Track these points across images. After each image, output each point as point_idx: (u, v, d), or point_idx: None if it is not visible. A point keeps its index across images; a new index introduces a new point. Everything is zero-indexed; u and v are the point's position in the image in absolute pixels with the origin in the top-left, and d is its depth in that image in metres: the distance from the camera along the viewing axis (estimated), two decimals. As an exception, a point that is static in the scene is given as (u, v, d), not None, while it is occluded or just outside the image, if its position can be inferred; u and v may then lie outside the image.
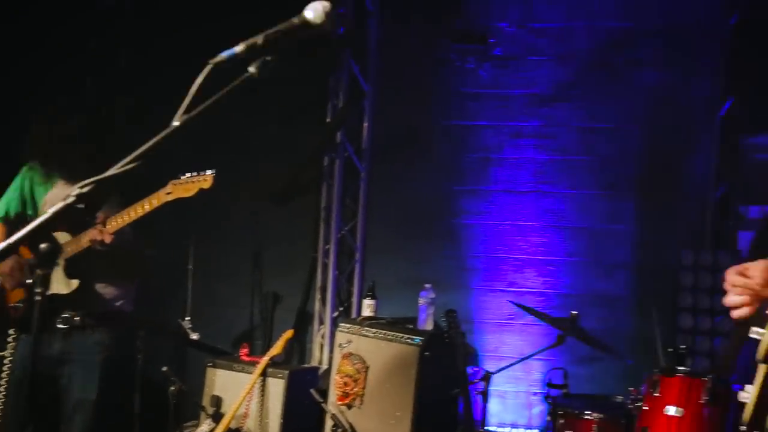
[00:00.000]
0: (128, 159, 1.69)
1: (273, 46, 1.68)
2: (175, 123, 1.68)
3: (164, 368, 4.86)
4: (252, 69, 1.68)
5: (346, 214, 5.98)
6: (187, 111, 1.66)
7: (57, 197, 3.34)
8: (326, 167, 5.95)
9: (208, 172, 2.88)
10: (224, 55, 1.67)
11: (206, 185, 2.87)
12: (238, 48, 1.67)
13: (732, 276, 2.00)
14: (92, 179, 1.75)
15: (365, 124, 5.87)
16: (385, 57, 5.91)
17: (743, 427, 2.01)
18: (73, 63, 5.23)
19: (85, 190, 1.72)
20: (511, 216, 5.76)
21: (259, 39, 1.68)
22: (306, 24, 1.69)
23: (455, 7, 5.77)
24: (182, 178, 2.97)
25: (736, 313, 1.98)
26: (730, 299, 1.99)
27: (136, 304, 4.37)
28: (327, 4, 1.71)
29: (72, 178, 3.31)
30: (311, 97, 5.94)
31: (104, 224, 3.05)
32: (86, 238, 3.08)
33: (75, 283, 3.20)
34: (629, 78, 5.64)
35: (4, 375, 3.28)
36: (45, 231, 1.92)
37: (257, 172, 5.83)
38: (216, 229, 5.84)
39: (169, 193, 2.96)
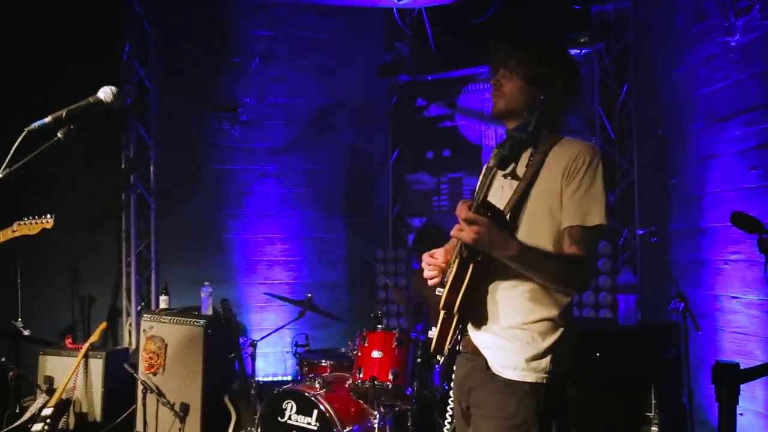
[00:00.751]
0: None
1: (74, 118, 1.89)
2: (0, 173, 1.87)
3: (2, 359, 5.30)
4: (59, 135, 1.89)
5: (142, 235, 6.37)
6: (8, 166, 1.85)
7: None
8: (124, 201, 6.38)
9: (49, 216, 3.13)
10: (36, 124, 1.86)
11: (48, 226, 3.13)
12: (48, 119, 1.87)
13: (426, 258, 2.26)
14: None
15: (151, 168, 6.34)
16: (163, 120, 6.33)
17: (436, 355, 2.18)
18: None
19: None
20: (263, 231, 6.54)
21: (63, 112, 1.87)
22: (99, 102, 1.95)
23: (215, 85, 6.38)
24: (26, 220, 3.15)
25: (430, 282, 2.20)
26: (426, 274, 2.23)
27: None
28: (114, 88, 1.97)
29: None
30: (109, 149, 6.29)
31: None
32: None
33: None
34: (333, 137, 6.58)
35: None
36: None
37: (71, 205, 5.88)
38: (41, 249, 5.73)
39: (14, 231, 3.15)
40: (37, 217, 3.13)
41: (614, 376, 2.88)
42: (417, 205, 6.59)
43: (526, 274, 1.98)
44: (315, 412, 3.92)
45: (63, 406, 5.14)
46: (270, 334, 4.93)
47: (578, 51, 5.15)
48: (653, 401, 2.73)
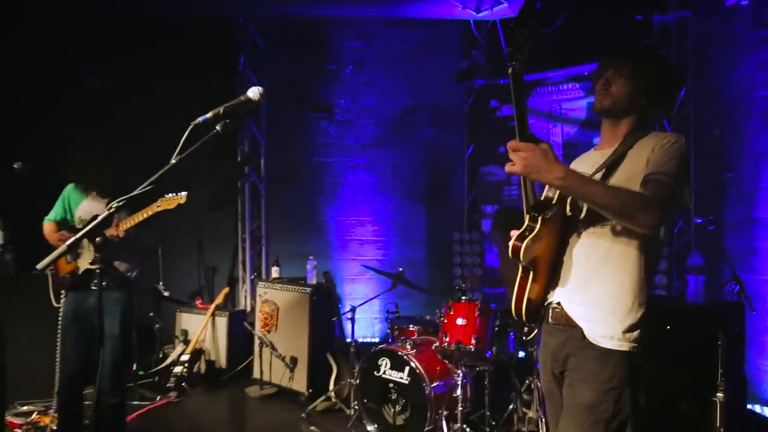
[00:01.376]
0: (145, 184, 1.97)
1: (229, 114, 1.94)
2: (173, 161, 1.91)
3: (151, 314, 5.75)
4: (218, 127, 1.92)
5: (254, 216, 6.60)
6: (179, 153, 1.90)
7: (89, 205, 3.55)
8: (239, 188, 6.66)
9: (183, 193, 3.09)
10: (200, 119, 1.90)
11: (182, 201, 3.07)
12: (209, 114, 1.90)
13: (510, 146, 1.86)
14: (125, 197, 2.02)
15: (262, 161, 6.56)
16: (272, 120, 6.53)
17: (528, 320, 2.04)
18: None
19: (120, 203, 2.04)
20: (354, 214, 6.65)
21: (220, 109, 1.91)
22: (249, 101, 1.96)
23: (314, 90, 6.55)
24: (167, 196, 3.13)
25: (508, 170, 1.84)
26: (508, 165, 1.86)
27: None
28: (261, 89, 1.96)
29: (100, 193, 3.53)
30: (228, 145, 6.57)
31: (118, 225, 3.22)
32: (107, 233, 3.14)
33: (98, 259, 3.34)
34: (416, 134, 6.62)
35: (59, 320, 3.44)
36: (99, 229, 2.15)
37: (198, 191, 5.95)
38: (175, 227, 6.06)
39: (158, 206, 3.13)
40: (174, 194, 3.13)
41: (684, 347, 2.86)
42: (489, 194, 6.59)
43: (592, 206, 1.89)
44: (407, 368, 3.93)
45: (196, 353, 5.52)
46: (367, 301, 4.96)
47: (640, 57, 5.09)
48: (720, 371, 2.72)
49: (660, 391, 2.82)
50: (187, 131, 1.88)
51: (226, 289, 5.93)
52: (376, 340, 6.39)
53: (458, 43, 6.61)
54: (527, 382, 4.10)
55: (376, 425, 4.13)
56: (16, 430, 4.07)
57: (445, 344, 3.89)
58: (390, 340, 4.70)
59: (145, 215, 3.17)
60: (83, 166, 3.49)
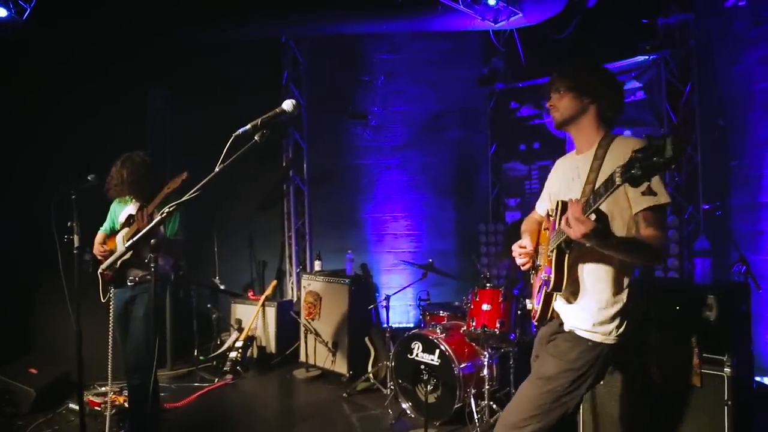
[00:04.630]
0: (193, 191, 1.98)
1: (267, 124, 1.93)
2: (217, 169, 1.92)
3: (208, 305, 5.86)
4: (257, 137, 1.93)
5: (299, 215, 6.67)
6: (222, 162, 1.90)
7: (130, 211, 3.52)
8: (285, 189, 6.72)
9: (185, 173, 2.92)
10: (240, 130, 1.91)
11: (184, 177, 2.88)
12: (248, 126, 1.91)
13: (516, 249, 2.29)
14: (175, 203, 2.06)
15: (305, 165, 6.63)
16: (313, 127, 6.65)
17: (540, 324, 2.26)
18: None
19: (171, 209, 2.06)
20: (389, 211, 6.62)
21: (258, 121, 1.91)
22: (284, 112, 1.95)
23: (350, 99, 6.53)
24: (172, 180, 2.97)
25: (523, 268, 2.27)
26: (518, 261, 2.27)
27: (192, 270, 5.48)
28: (294, 101, 1.97)
29: (141, 198, 3.44)
30: (273, 152, 6.67)
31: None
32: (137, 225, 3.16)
33: (129, 253, 3.22)
34: (443, 135, 6.57)
35: (110, 310, 3.46)
36: (150, 234, 2.12)
37: (248, 194, 6.49)
38: (229, 226, 6.39)
39: (168, 188, 2.97)
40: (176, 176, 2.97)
41: (693, 326, 2.80)
42: (512, 188, 6.52)
43: (616, 257, 1.99)
44: (437, 351, 3.94)
45: (249, 340, 5.61)
46: (399, 291, 4.96)
47: (647, 57, 4.98)
48: (728, 347, 2.69)
49: (672, 364, 2.79)
50: (229, 142, 1.89)
51: (274, 282, 6.00)
52: (411, 325, 6.37)
53: (479, 51, 6.52)
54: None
55: (410, 403, 4.14)
56: (96, 407, 4.23)
57: (472, 328, 3.88)
58: (422, 326, 4.71)
59: (158, 200, 3.07)
60: (117, 176, 3.45)
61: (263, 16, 5.91)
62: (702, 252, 3.74)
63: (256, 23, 5.98)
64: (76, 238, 3.05)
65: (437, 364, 3.96)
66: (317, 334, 5.22)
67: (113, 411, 3.73)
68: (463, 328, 4.04)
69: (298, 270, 6.63)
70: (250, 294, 6.06)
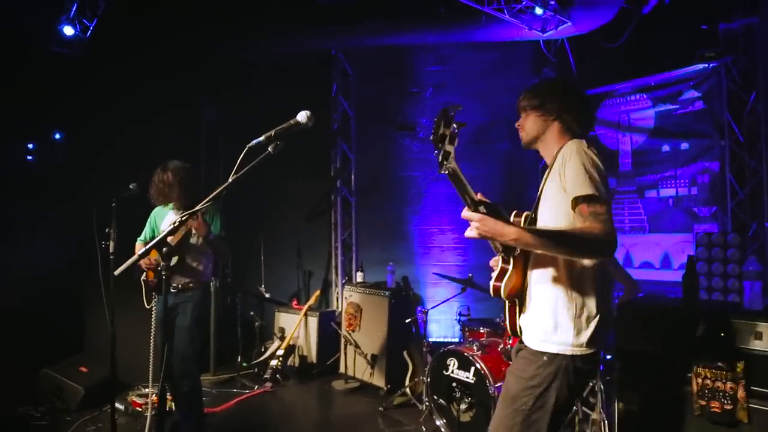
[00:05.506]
0: (207, 199, 2.00)
1: (280, 136, 1.91)
2: (230, 179, 1.91)
3: (252, 313, 5.95)
4: (270, 149, 1.90)
5: (346, 226, 6.68)
6: (235, 172, 1.90)
7: (170, 219, 3.59)
8: (332, 201, 6.74)
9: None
10: (254, 142, 1.88)
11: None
12: (262, 138, 1.89)
13: (463, 216, 2.08)
14: (188, 212, 2.11)
15: (352, 176, 6.65)
16: (361, 138, 6.66)
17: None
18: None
19: (184, 218, 2.11)
20: (436, 223, 6.48)
21: (272, 132, 1.90)
22: (297, 123, 1.92)
23: (398, 110, 6.49)
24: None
25: (468, 235, 2.04)
26: (467, 231, 2.04)
27: (239, 278, 5.68)
28: (309, 112, 1.91)
29: (179, 206, 3.57)
30: (321, 162, 6.71)
31: (197, 218, 3.20)
32: (190, 224, 3.18)
33: (175, 259, 3.39)
34: (492, 147, 6.37)
35: (153, 316, 3.51)
36: (165, 241, 2.18)
37: (296, 204, 6.65)
38: (277, 236, 6.52)
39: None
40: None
41: (739, 354, 2.57)
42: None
43: (548, 253, 1.93)
44: (472, 368, 3.81)
45: (291, 349, 5.63)
46: (438, 305, 4.85)
47: (706, 65, 4.68)
48: None
49: (712, 394, 2.57)
50: (243, 153, 1.87)
51: (317, 292, 6.02)
52: (456, 340, 6.13)
53: (530, 62, 6.32)
54: (591, 384, 3.82)
55: (444, 420, 4.01)
56: (137, 408, 4.34)
57: (509, 346, 3.74)
58: (461, 341, 4.61)
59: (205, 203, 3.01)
60: (164, 181, 3.53)
61: (313, 29, 5.95)
62: (752, 274, 3.43)
63: (306, 36, 6.03)
64: (111, 244, 3.14)
65: (472, 382, 3.82)
66: (357, 346, 5.18)
67: (153, 412, 3.80)
68: (500, 346, 3.91)
69: (344, 281, 6.62)
70: (293, 303, 6.09)
